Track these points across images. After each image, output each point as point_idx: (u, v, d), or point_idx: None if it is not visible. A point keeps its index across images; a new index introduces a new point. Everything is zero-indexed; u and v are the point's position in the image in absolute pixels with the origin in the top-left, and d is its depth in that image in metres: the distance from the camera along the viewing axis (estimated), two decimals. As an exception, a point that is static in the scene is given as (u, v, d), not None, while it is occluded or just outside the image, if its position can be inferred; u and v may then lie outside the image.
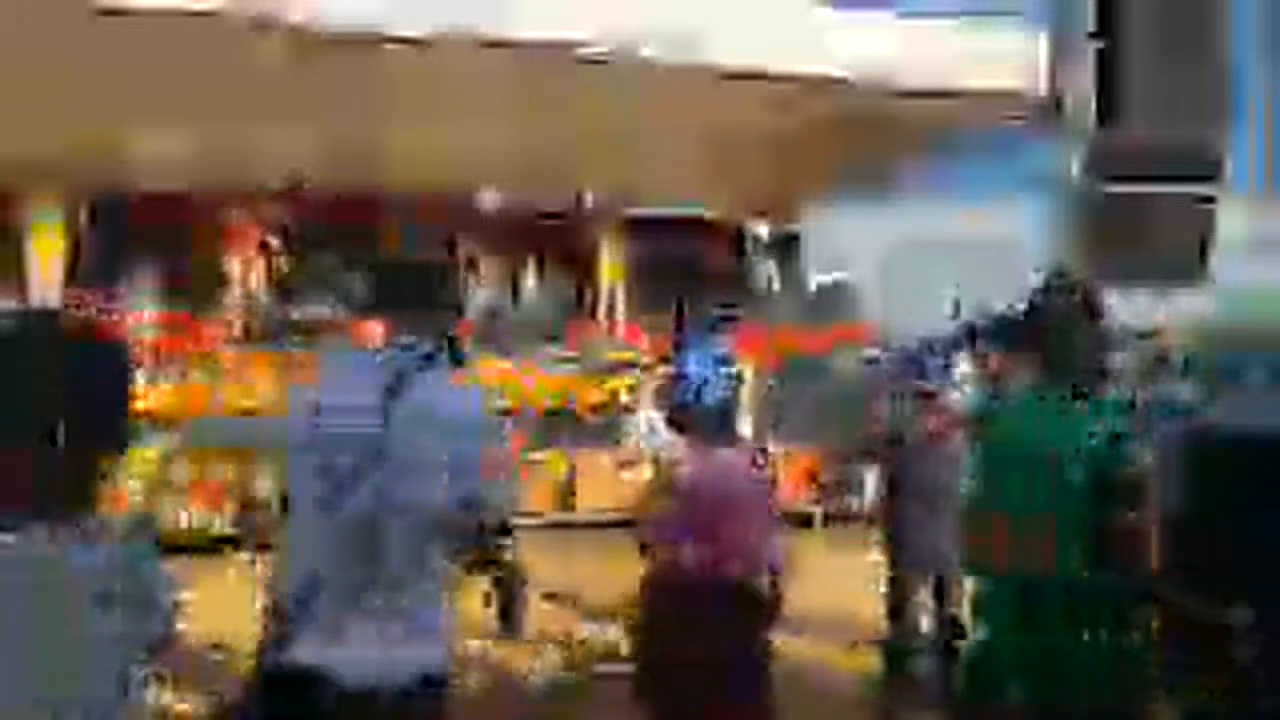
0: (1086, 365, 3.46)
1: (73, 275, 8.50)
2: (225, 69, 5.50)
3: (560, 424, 9.20)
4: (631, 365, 9.41)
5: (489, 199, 9.56)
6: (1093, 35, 4.38)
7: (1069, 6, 4.46)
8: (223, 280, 8.95)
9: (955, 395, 5.51)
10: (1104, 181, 4.40)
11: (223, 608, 4.42)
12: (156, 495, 8.06)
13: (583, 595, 6.31)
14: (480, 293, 9.92)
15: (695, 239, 10.47)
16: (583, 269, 10.24)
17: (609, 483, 8.51)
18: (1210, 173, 4.44)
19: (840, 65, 5.83)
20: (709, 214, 10.46)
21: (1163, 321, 7.14)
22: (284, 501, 2.68)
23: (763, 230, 10.97)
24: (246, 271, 9.00)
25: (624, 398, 9.35)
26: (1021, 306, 3.65)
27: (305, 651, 2.48)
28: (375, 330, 2.67)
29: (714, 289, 10.19)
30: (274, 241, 9.05)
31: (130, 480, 8.04)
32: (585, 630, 5.98)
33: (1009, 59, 5.77)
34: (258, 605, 2.59)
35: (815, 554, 7.24)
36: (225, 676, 4.64)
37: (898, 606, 5.15)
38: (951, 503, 4.53)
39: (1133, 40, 4.33)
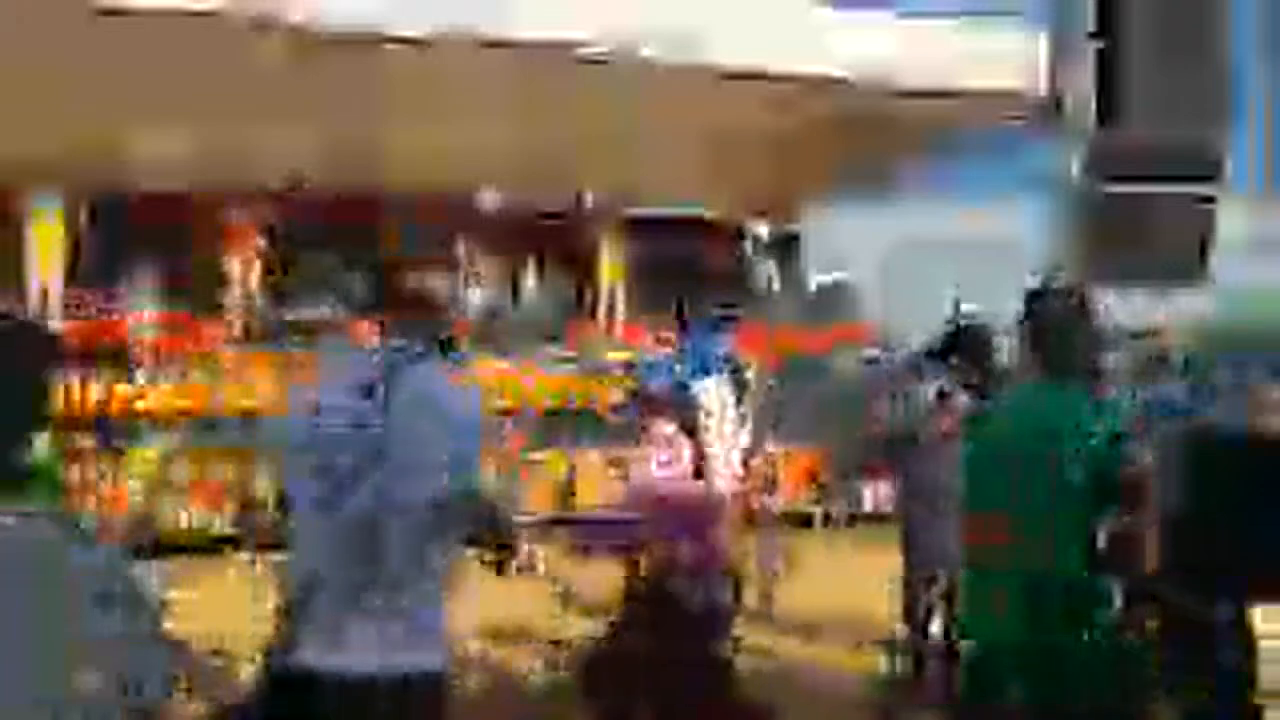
0: (1080, 366, 3.47)
1: (73, 275, 8.50)
2: (225, 69, 5.50)
3: (560, 424, 9.21)
4: (631, 365, 9.41)
5: (489, 199, 9.55)
6: (1093, 35, 4.38)
7: (1069, 6, 4.46)
8: (223, 280, 8.95)
9: (964, 398, 5.52)
10: (1104, 181, 4.39)
11: (223, 608, 4.43)
12: (156, 495, 8.06)
13: (582, 594, 6.32)
14: (480, 293, 9.92)
15: (695, 239, 10.47)
16: (583, 269, 10.23)
17: (609, 482, 8.52)
18: (1210, 173, 4.44)
19: (840, 65, 5.82)
20: (709, 214, 10.46)
21: (1163, 321, 7.13)
22: (280, 501, 2.69)
23: (763, 230, 10.97)
24: (246, 271, 9.00)
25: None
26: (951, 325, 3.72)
27: (307, 654, 2.48)
28: (370, 330, 2.67)
29: (714, 289, 10.18)
30: (274, 241, 9.05)
31: (130, 480, 8.04)
32: (584, 629, 5.98)
33: (1009, 59, 5.76)
34: (269, 606, 2.60)
35: (815, 554, 7.26)
36: (226, 676, 4.65)
37: (908, 607, 5.16)
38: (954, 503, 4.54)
39: (1133, 40, 4.32)
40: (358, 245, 8.54)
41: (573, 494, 8.88)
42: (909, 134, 7.68)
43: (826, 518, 9.36)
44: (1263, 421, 4.75)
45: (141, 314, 8.57)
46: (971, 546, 3.68)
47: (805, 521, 8.99)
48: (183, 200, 8.51)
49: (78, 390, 7.99)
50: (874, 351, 10.02)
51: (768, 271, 11.02)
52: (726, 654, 4.01)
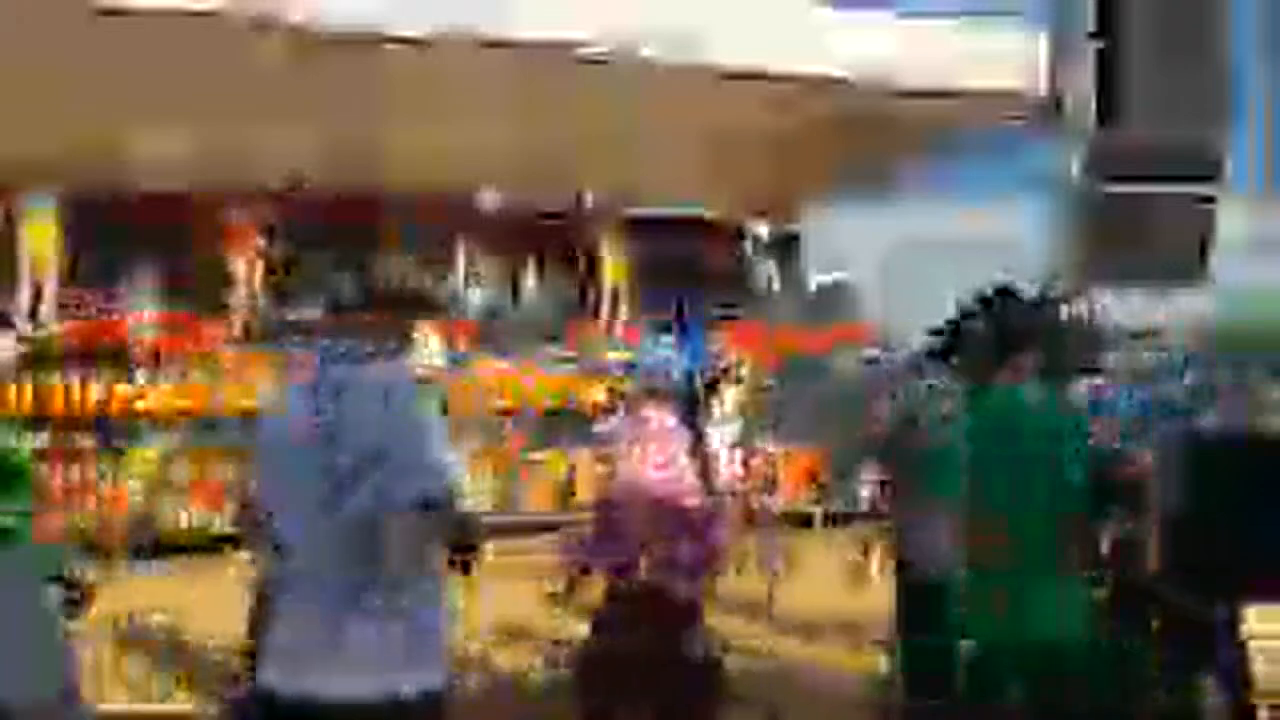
0: (1053, 368, 3.50)
1: (72, 274, 8.50)
2: (225, 69, 5.50)
3: (560, 424, 9.20)
4: (632, 366, 9.39)
5: (489, 199, 9.55)
6: (1093, 35, 4.37)
7: (1069, 6, 4.46)
8: (223, 280, 8.95)
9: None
10: (1104, 181, 4.39)
11: (223, 608, 4.42)
12: (156, 495, 8.06)
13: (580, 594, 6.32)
14: (480, 293, 9.92)
15: (695, 239, 10.47)
16: (584, 269, 10.23)
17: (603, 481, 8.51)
18: (1210, 173, 4.44)
19: (840, 65, 5.83)
20: (709, 214, 10.46)
21: (1163, 321, 7.13)
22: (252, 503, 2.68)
23: (763, 230, 10.97)
24: (247, 271, 9.00)
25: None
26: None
27: (299, 671, 2.45)
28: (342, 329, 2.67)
29: (714, 289, 10.18)
30: (274, 241, 9.05)
31: (130, 480, 8.04)
32: (579, 628, 5.98)
33: (1009, 59, 5.76)
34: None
35: (815, 554, 7.25)
36: (225, 675, 4.65)
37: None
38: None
39: (1133, 40, 4.32)
40: (358, 245, 8.55)
41: (572, 494, 8.87)
42: (909, 134, 7.68)
43: (827, 518, 9.35)
44: (1263, 421, 4.75)
45: (141, 314, 8.57)
46: (972, 546, 3.68)
47: (805, 521, 8.99)
48: (183, 200, 8.50)
49: (78, 390, 7.99)
50: (874, 351, 10.01)
51: (768, 271, 11.02)
52: (706, 649, 4.00)
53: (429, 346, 7.86)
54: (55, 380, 7.92)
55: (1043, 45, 4.96)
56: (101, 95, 6.00)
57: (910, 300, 10.29)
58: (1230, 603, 4.62)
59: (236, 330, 8.80)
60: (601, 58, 5.34)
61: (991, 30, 6.21)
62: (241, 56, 5.31)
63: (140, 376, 8.32)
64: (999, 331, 3.79)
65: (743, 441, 6.44)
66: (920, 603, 4.42)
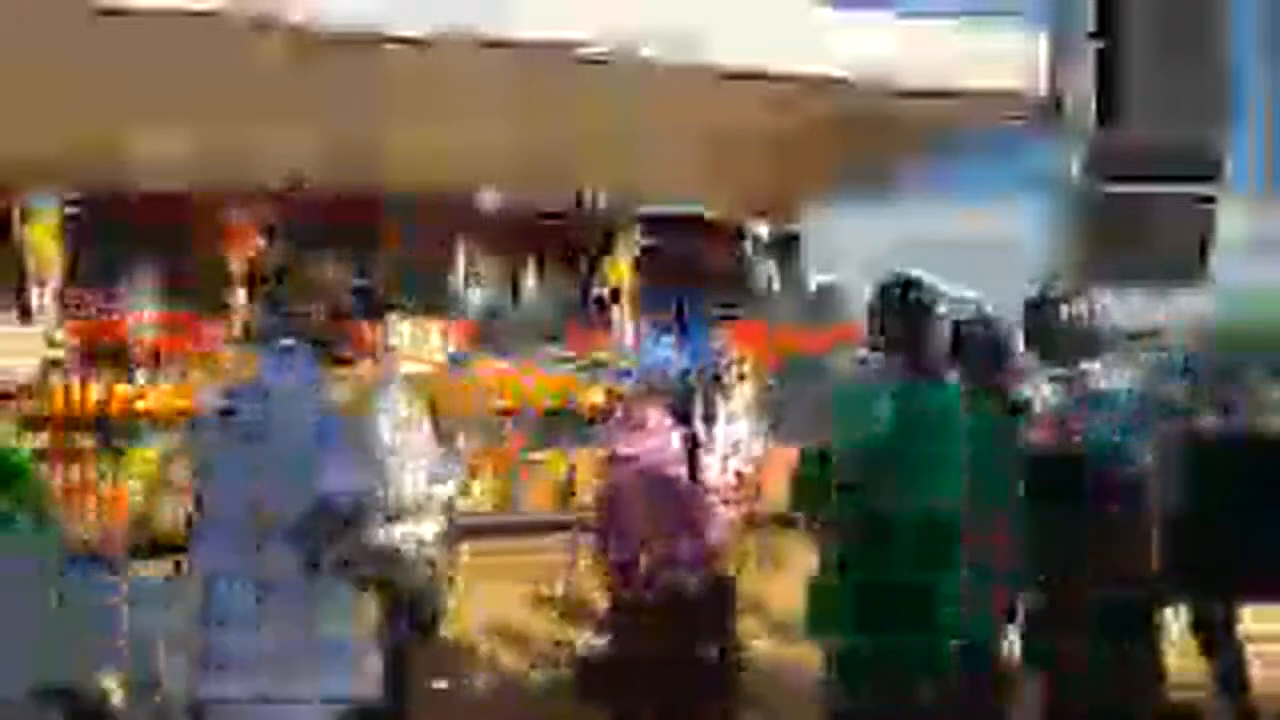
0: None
1: (73, 274, 8.49)
2: (225, 69, 5.49)
3: (560, 424, 9.19)
4: (628, 372, 9.39)
5: (489, 199, 9.54)
6: (1093, 35, 4.38)
7: (1069, 6, 4.46)
8: (223, 280, 8.94)
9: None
10: (1104, 181, 4.40)
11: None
12: (156, 495, 8.05)
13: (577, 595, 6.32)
14: (480, 293, 9.92)
15: (695, 239, 10.46)
16: (586, 269, 10.22)
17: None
18: (1210, 173, 4.44)
19: (840, 65, 5.82)
20: (709, 214, 10.45)
21: (1163, 321, 7.13)
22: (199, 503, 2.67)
23: (763, 230, 10.96)
24: (246, 271, 8.99)
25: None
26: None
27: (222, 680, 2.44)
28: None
29: (714, 289, 10.18)
30: (274, 241, 9.04)
31: (130, 480, 8.03)
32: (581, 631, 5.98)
33: (1009, 59, 5.76)
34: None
35: (800, 554, 7.23)
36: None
37: None
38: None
39: (1133, 40, 4.33)
40: (358, 245, 8.53)
41: (573, 494, 8.87)
42: (909, 134, 7.66)
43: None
44: (1263, 421, 4.75)
45: (141, 314, 8.56)
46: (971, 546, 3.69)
47: (789, 521, 8.98)
48: (183, 200, 8.50)
49: (78, 390, 7.99)
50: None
51: (768, 271, 11.02)
52: (719, 653, 4.01)
53: (430, 343, 7.87)
54: (56, 380, 7.93)
55: (1043, 45, 4.98)
56: (101, 95, 5.99)
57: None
58: (1229, 603, 4.62)
59: (236, 330, 8.80)
60: (601, 58, 5.34)
61: (991, 30, 6.19)
62: (241, 56, 5.30)
63: (140, 376, 8.32)
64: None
65: (750, 441, 6.42)
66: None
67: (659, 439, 4.15)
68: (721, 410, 6.55)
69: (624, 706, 3.94)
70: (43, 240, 8.35)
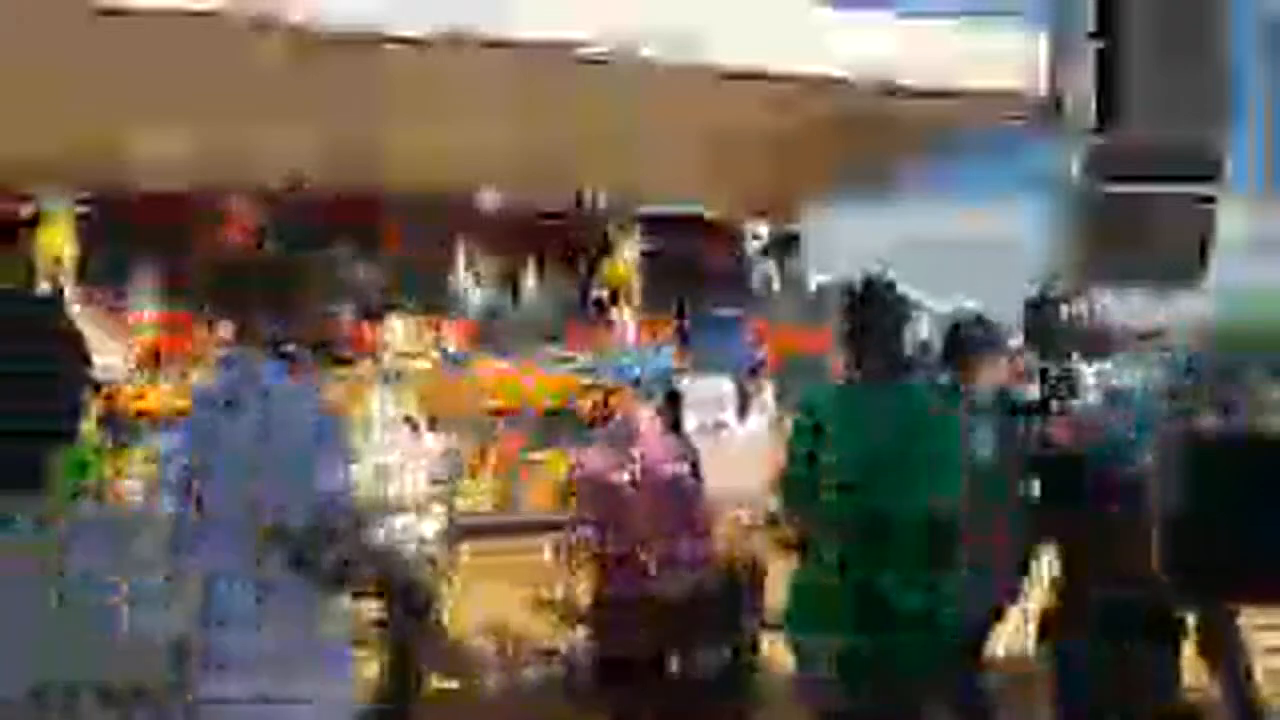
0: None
1: (81, 275, 8.51)
2: (225, 69, 5.49)
3: (560, 424, 9.19)
4: (623, 369, 9.38)
5: (489, 199, 9.55)
6: (1093, 35, 4.38)
7: (1069, 6, 4.46)
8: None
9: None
10: (1104, 181, 4.40)
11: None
12: (156, 495, 8.05)
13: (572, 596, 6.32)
14: (480, 293, 9.92)
15: (695, 239, 10.46)
16: (586, 269, 10.22)
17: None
18: (1210, 173, 4.44)
19: (840, 65, 5.81)
20: (709, 214, 10.45)
21: (1163, 321, 7.13)
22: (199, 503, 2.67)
23: (763, 230, 10.96)
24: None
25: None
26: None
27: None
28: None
29: (714, 289, 10.18)
30: (273, 241, 9.04)
31: (130, 480, 8.03)
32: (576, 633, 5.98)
33: (1009, 59, 5.76)
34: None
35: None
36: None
37: None
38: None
39: (1133, 40, 4.32)
40: (358, 245, 8.53)
41: (573, 494, 8.87)
42: (909, 134, 7.66)
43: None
44: (1263, 421, 4.75)
45: (141, 314, 8.57)
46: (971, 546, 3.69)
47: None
48: (183, 200, 8.50)
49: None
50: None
51: (768, 271, 11.02)
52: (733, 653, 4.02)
53: (426, 341, 7.86)
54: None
55: (1043, 45, 4.97)
56: (101, 95, 5.99)
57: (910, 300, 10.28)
58: (1230, 604, 4.62)
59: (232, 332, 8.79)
60: (601, 58, 5.33)
61: (991, 30, 6.19)
62: (241, 56, 5.30)
63: (141, 377, 8.33)
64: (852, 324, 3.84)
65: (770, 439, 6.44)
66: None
67: (655, 440, 4.16)
68: (754, 404, 6.62)
69: (621, 707, 3.94)
70: (55, 242, 8.36)
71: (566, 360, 9.52)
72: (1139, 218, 4.37)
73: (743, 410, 6.38)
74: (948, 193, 12.33)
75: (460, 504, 7.67)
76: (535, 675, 5.54)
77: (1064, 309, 4.86)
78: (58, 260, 8.38)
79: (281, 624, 2.44)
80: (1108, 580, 4.06)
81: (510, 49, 5.24)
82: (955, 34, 6.17)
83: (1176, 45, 4.30)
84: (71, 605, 1.79)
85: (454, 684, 5.52)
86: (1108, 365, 4.84)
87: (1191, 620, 5.20)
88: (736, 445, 5.86)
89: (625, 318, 10.06)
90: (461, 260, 9.78)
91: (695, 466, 4.57)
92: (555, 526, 6.03)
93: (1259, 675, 5.36)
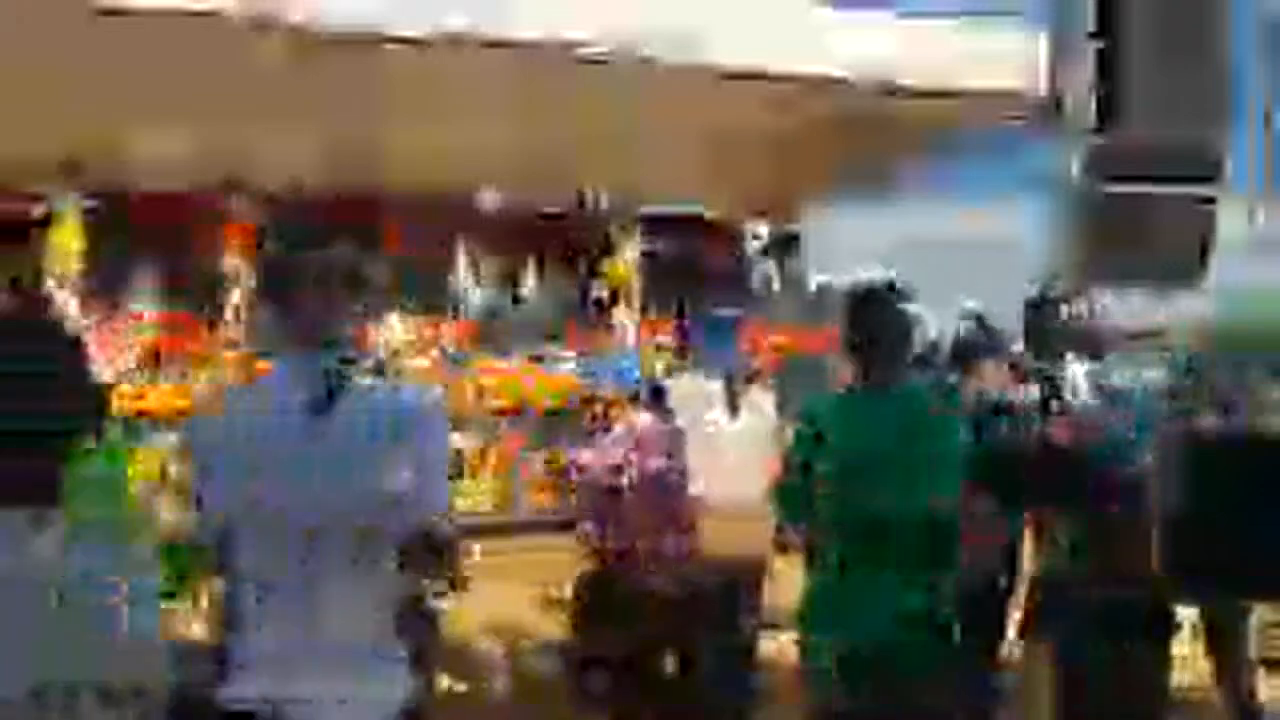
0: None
1: (84, 274, 8.52)
2: (225, 69, 5.49)
3: (560, 424, 9.19)
4: (622, 372, 9.38)
5: (489, 199, 9.55)
6: (1093, 35, 4.38)
7: (1069, 6, 4.46)
8: (223, 280, 8.95)
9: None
10: (1104, 181, 4.39)
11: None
12: (156, 495, 8.05)
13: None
14: (480, 293, 9.92)
15: (695, 239, 10.47)
16: (586, 269, 10.22)
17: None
18: (1210, 173, 4.44)
19: (840, 65, 5.81)
20: (709, 214, 10.45)
21: (1163, 322, 7.13)
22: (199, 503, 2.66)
23: (763, 230, 10.97)
24: (247, 271, 8.99)
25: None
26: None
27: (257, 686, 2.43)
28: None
29: (714, 289, 10.19)
30: (274, 241, 9.04)
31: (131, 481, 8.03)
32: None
33: (1009, 59, 5.75)
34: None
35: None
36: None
37: None
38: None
39: (1133, 40, 4.32)
40: (358, 245, 8.52)
41: (573, 493, 8.88)
42: (909, 134, 7.66)
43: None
44: (1263, 421, 4.75)
45: (141, 314, 8.57)
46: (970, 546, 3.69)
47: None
48: (183, 200, 8.50)
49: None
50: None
51: (768, 271, 11.02)
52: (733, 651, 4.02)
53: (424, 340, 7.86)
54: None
55: (1043, 45, 4.97)
56: (101, 95, 5.99)
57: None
58: (1231, 604, 4.62)
59: (234, 331, 8.80)
60: (601, 58, 5.33)
61: (991, 30, 6.18)
62: (241, 56, 5.29)
63: (140, 376, 8.33)
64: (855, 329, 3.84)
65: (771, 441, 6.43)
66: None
67: (649, 438, 4.16)
68: (744, 402, 6.62)
69: (622, 707, 3.94)
70: (64, 241, 8.36)
71: (567, 360, 9.52)
72: (1139, 218, 4.37)
73: (734, 409, 6.38)
74: (948, 193, 12.33)
75: (460, 504, 7.68)
76: (536, 675, 5.54)
77: (1064, 309, 4.86)
78: (67, 259, 8.38)
79: (281, 624, 2.43)
80: (1108, 580, 4.06)
81: (510, 49, 5.23)
82: (955, 34, 6.17)
83: (1176, 45, 4.30)
84: (71, 605, 1.79)
85: (461, 685, 5.53)
86: (1107, 365, 4.84)
87: (1199, 620, 5.22)
88: (726, 441, 5.85)
89: (625, 318, 10.06)
90: (461, 260, 9.78)
91: (677, 458, 4.57)
92: (555, 526, 6.04)
93: (1260, 675, 5.36)
